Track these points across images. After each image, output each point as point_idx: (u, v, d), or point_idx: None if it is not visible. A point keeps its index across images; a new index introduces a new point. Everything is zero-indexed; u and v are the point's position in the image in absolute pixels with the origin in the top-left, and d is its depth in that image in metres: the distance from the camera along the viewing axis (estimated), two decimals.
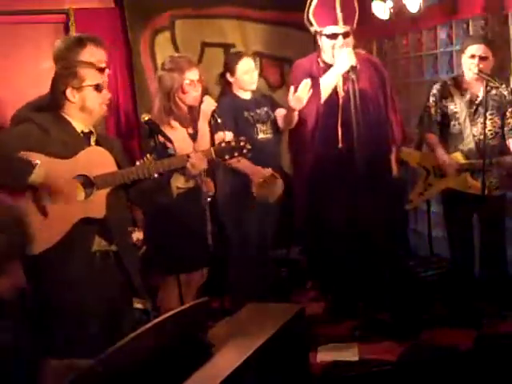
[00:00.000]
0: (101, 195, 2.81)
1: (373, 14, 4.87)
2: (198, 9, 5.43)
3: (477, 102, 4.18)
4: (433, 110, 4.28)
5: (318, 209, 4.32)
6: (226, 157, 3.13)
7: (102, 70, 3.34)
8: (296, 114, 4.13)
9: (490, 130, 4.16)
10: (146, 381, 2.07)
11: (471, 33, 4.72)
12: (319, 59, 4.29)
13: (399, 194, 4.73)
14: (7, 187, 2.66)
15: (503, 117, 4.18)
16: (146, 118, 3.36)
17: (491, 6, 4.55)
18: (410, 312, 4.33)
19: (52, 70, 3.03)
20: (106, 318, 2.87)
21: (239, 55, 4.39)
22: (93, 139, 2.92)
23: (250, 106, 4.26)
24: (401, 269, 4.63)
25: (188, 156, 3.08)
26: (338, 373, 3.67)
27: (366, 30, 5.30)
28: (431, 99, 4.29)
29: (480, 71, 4.03)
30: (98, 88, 2.88)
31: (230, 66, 4.28)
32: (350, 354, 3.81)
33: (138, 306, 4.14)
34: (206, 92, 3.91)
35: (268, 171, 4.15)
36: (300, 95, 3.98)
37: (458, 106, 4.21)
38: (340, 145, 4.16)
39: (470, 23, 4.77)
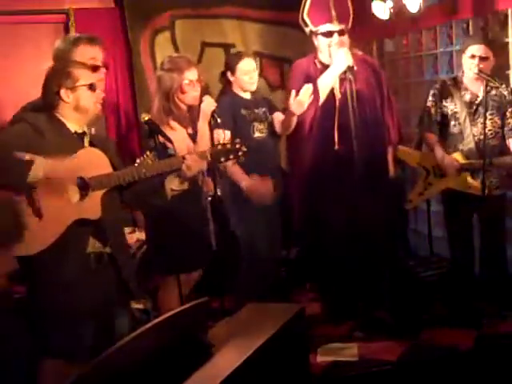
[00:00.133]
0: (96, 197, 2.79)
1: (373, 14, 4.87)
2: (197, 9, 5.43)
3: (477, 102, 4.18)
4: (433, 110, 4.28)
5: (317, 210, 4.32)
6: (222, 159, 3.12)
7: (96, 68, 3.34)
8: (295, 118, 4.12)
9: (489, 130, 4.16)
10: (145, 381, 2.07)
11: (471, 33, 4.73)
12: (316, 60, 4.29)
13: (398, 194, 4.73)
14: (6, 187, 2.65)
15: (503, 117, 4.18)
16: (146, 118, 3.35)
17: (489, 5, 4.56)
18: (410, 312, 4.33)
19: None
20: (100, 319, 2.87)
21: (240, 55, 4.39)
22: (86, 140, 2.92)
23: (249, 105, 4.27)
24: (401, 269, 4.63)
25: (184, 158, 3.08)
26: (338, 373, 3.67)
27: (366, 30, 5.31)
28: (431, 99, 4.29)
29: (480, 71, 4.03)
30: (91, 87, 2.88)
31: (230, 66, 4.29)
32: (350, 354, 3.81)
33: (138, 306, 4.14)
34: (205, 92, 3.91)
35: (257, 180, 4.12)
36: (301, 99, 3.98)
37: (457, 106, 4.21)
38: (336, 146, 4.16)
39: (470, 23, 4.77)
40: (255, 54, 5.40)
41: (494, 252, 4.35)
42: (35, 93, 3.15)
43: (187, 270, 3.82)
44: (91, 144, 2.92)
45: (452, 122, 4.24)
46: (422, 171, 4.48)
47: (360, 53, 4.45)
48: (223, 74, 4.34)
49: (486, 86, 4.04)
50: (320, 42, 4.23)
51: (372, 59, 4.71)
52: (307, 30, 4.28)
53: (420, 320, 4.24)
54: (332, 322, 4.32)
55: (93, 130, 3.37)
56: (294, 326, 2.74)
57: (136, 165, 2.89)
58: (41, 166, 2.65)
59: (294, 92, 3.97)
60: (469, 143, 4.19)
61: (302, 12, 4.24)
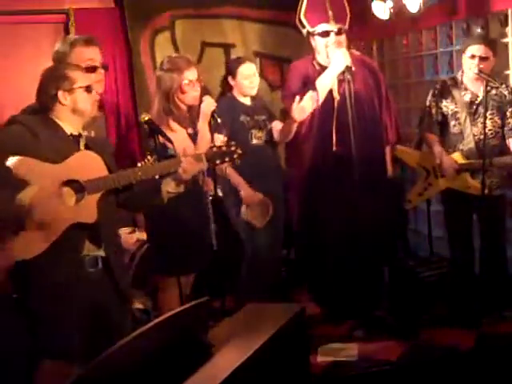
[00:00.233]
0: (92, 200, 2.77)
1: (373, 14, 4.87)
2: (198, 9, 5.43)
3: (477, 102, 4.18)
4: (433, 110, 4.28)
5: (316, 210, 4.32)
6: (217, 161, 3.11)
7: (94, 69, 3.34)
8: (295, 125, 4.12)
9: (490, 130, 4.16)
10: (146, 381, 2.07)
11: (471, 33, 4.73)
12: (314, 62, 4.29)
13: (398, 194, 4.74)
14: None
15: (503, 116, 4.18)
16: (146, 118, 3.35)
17: (489, 6, 4.57)
18: (410, 312, 4.33)
19: None
20: (96, 321, 2.86)
21: (240, 60, 4.42)
22: (82, 142, 2.90)
23: (248, 112, 4.28)
24: (401, 269, 4.63)
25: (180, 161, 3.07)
26: (338, 373, 3.67)
27: (365, 30, 5.32)
28: (431, 99, 4.30)
29: (480, 71, 4.03)
30: (88, 89, 2.88)
31: (231, 70, 4.30)
32: (350, 354, 3.81)
33: (138, 306, 4.14)
34: (205, 92, 3.91)
35: (259, 196, 4.15)
36: (304, 106, 3.97)
37: (458, 106, 4.21)
38: (334, 148, 4.16)
39: (470, 23, 4.77)
40: (255, 54, 5.42)
41: (493, 252, 4.35)
42: (35, 93, 3.14)
43: (188, 270, 3.82)
44: (87, 147, 2.90)
45: (452, 122, 4.24)
46: (422, 171, 4.48)
47: (358, 53, 4.45)
48: (225, 78, 4.36)
49: (486, 85, 4.04)
50: (317, 42, 4.23)
51: (370, 59, 4.71)
52: (304, 31, 4.28)
53: (420, 320, 4.24)
54: (333, 320, 4.32)
55: (92, 132, 3.37)
56: (293, 326, 2.74)
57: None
58: (31, 193, 2.62)
59: (297, 98, 3.96)
60: (469, 143, 4.19)
61: (299, 13, 4.24)
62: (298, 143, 4.32)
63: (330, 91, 4.19)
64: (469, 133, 4.19)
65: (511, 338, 3.88)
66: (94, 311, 2.85)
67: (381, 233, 4.29)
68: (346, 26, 4.22)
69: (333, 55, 4.12)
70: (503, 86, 4.17)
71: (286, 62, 5.52)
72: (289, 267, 4.99)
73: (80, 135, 2.90)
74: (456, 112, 4.22)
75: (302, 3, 4.23)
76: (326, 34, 4.17)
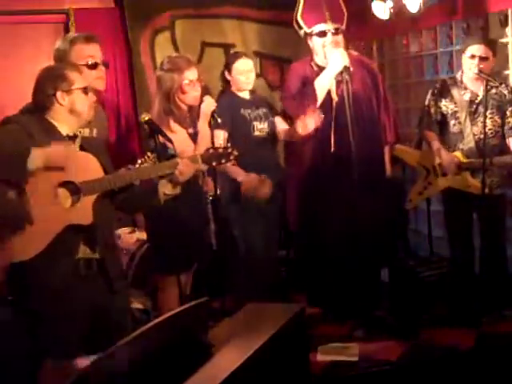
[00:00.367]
0: (87, 202, 2.76)
1: (373, 13, 4.87)
2: (198, 9, 5.43)
3: (477, 101, 4.18)
4: (432, 110, 4.29)
5: (315, 210, 4.32)
6: (214, 163, 3.11)
7: (94, 66, 3.34)
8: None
9: (490, 129, 4.16)
10: (146, 381, 2.07)
11: (471, 33, 4.73)
12: (312, 63, 4.29)
13: (397, 194, 4.74)
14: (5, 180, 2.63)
15: (503, 116, 4.18)
16: (146, 118, 3.34)
17: (488, 6, 4.57)
18: (410, 312, 4.33)
19: None
20: (93, 323, 2.86)
21: (237, 55, 4.40)
22: (77, 143, 2.89)
23: (248, 105, 4.27)
24: (401, 269, 4.63)
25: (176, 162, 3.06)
26: (338, 373, 3.67)
27: (365, 30, 5.32)
28: (431, 98, 4.30)
29: (480, 71, 4.03)
30: (85, 90, 2.87)
31: (228, 65, 4.30)
32: (350, 354, 3.81)
33: (138, 306, 4.14)
34: (206, 92, 3.91)
35: (254, 177, 4.13)
36: (308, 124, 3.99)
37: (457, 106, 4.21)
38: (333, 149, 4.16)
39: (470, 23, 4.77)
40: (255, 54, 5.42)
41: (494, 251, 4.34)
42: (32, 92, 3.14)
43: (188, 270, 3.82)
44: (82, 148, 2.89)
45: (452, 122, 4.24)
46: (422, 170, 4.48)
47: (355, 53, 4.46)
48: (222, 74, 4.35)
49: (486, 85, 4.05)
50: (315, 43, 4.23)
51: (368, 59, 4.70)
52: (301, 32, 4.28)
53: (420, 320, 4.24)
54: (333, 320, 4.32)
55: (94, 130, 3.37)
56: (293, 326, 2.74)
57: (128, 168, 2.87)
58: (37, 156, 2.62)
59: (303, 117, 3.98)
60: (469, 142, 4.19)
61: (296, 14, 4.25)
62: (297, 144, 4.34)
63: (329, 92, 4.19)
64: (469, 132, 4.19)
65: (511, 338, 3.88)
66: (91, 313, 2.85)
67: (381, 233, 4.30)
68: (343, 26, 4.22)
69: (330, 56, 4.11)
70: (503, 85, 4.17)
71: (285, 62, 5.52)
72: (288, 267, 4.98)
73: (76, 136, 2.89)
74: (456, 111, 4.22)
75: (298, 4, 4.24)
76: (323, 33, 4.17)
